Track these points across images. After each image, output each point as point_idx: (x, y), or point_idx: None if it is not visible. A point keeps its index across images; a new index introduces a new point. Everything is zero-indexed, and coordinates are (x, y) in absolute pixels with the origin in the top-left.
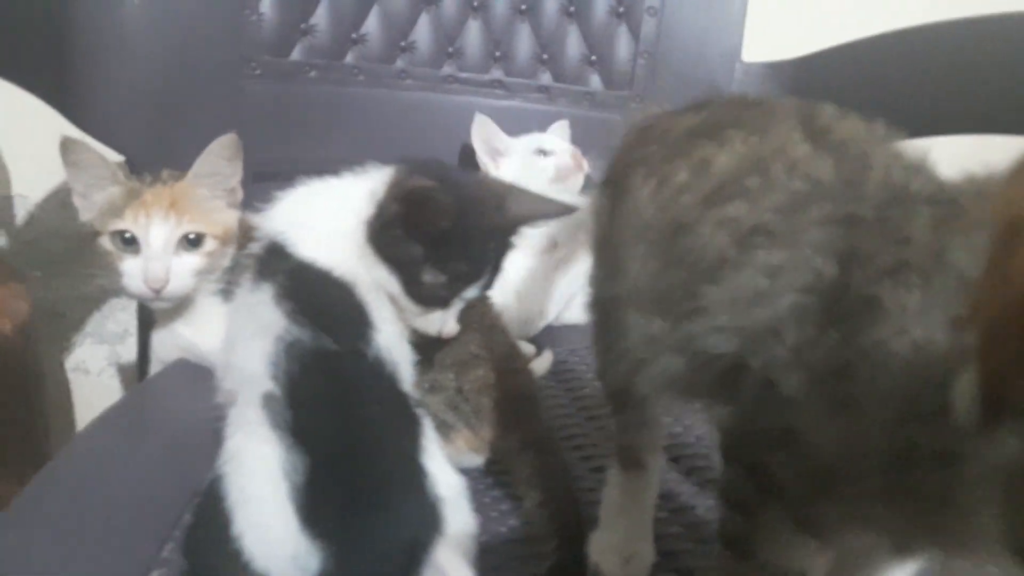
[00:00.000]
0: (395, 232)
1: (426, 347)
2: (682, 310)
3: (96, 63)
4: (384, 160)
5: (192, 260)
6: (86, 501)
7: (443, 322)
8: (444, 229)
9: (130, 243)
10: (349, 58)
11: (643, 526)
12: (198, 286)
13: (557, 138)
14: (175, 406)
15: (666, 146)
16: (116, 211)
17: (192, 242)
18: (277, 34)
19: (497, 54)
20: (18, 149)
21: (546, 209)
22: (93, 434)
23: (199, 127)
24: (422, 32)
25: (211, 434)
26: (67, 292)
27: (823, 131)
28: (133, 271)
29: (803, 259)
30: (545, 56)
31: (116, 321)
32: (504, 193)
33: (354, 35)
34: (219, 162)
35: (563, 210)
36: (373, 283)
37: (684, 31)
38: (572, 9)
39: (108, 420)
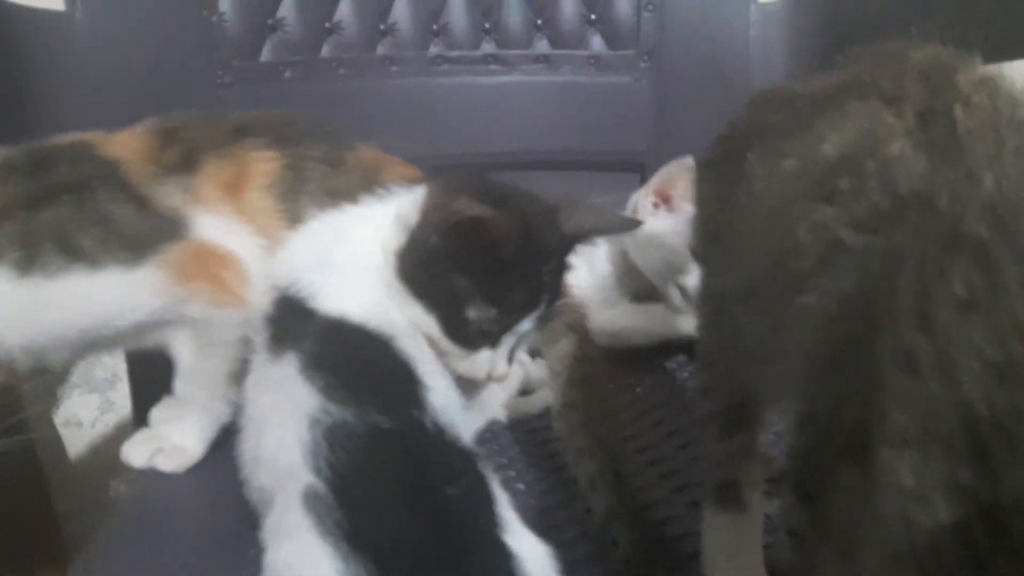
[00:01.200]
0: (437, 266)
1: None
2: (777, 315)
3: (50, 97)
4: None
5: None
6: None
7: (492, 364)
8: (499, 258)
9: None
10: (325, 51)
11: (757, 569)
12: None
13: None
14: (191, 504)
15: (790, 117)
16: None
17: None
18: (243, 34)
19: (487, 26)
20: None
21: (606, 223)
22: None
23: None
24: (402, 12)
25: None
26: None
27: (939, 113)
28: None
29: (862, 290)
30: (540, 21)
31: (103, 367)
32: (555, 205)
33: (327, 24)
34: None
35: (624, 225)
36: (411, 328)
37: None
38: None
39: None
